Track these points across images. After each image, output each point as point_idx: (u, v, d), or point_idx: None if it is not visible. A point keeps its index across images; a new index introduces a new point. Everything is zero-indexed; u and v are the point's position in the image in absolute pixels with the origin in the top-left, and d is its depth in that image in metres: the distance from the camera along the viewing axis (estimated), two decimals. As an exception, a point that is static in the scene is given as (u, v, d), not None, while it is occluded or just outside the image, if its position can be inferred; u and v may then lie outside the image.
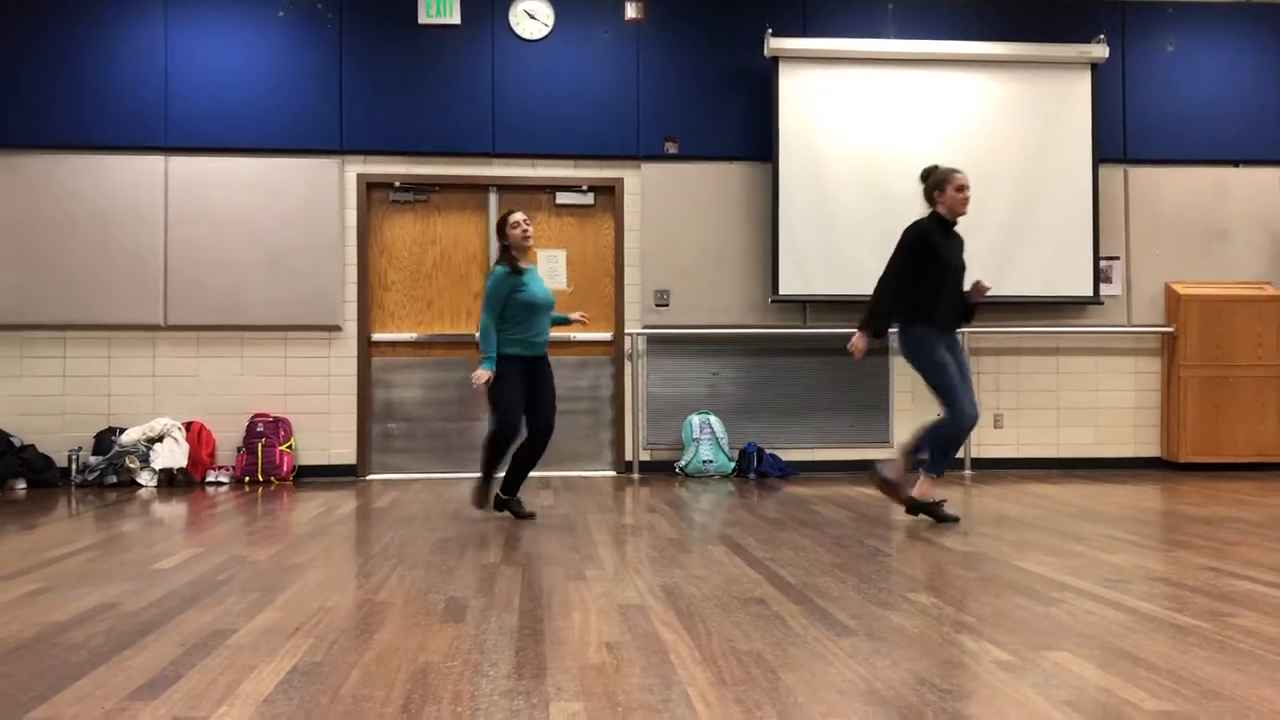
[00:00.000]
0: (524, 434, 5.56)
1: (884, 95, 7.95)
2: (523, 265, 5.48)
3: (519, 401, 5.43)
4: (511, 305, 5.40)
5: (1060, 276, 7.99)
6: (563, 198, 7.96)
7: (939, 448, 5.28)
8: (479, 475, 5.64)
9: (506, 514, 5.72)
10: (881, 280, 5.30)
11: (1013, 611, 3.40)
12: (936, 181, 5.36)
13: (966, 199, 5.31)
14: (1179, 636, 3.07)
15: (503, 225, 5.49)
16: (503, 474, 5.64)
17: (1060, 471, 8.00)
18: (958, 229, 5.45)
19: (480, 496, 5.60)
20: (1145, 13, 8.32)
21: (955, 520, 5.33)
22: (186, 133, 7.63)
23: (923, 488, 5.35)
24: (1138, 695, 2.53)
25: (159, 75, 7.65)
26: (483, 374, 5.31)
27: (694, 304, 7.96)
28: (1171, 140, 8.30)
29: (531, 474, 7.79)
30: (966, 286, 5.41)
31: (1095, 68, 8.06)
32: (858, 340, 5.32)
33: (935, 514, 5.35)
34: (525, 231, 5.46)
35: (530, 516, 5.62)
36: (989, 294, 5.21)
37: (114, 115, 7.60)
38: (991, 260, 7.80)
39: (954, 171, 5.33)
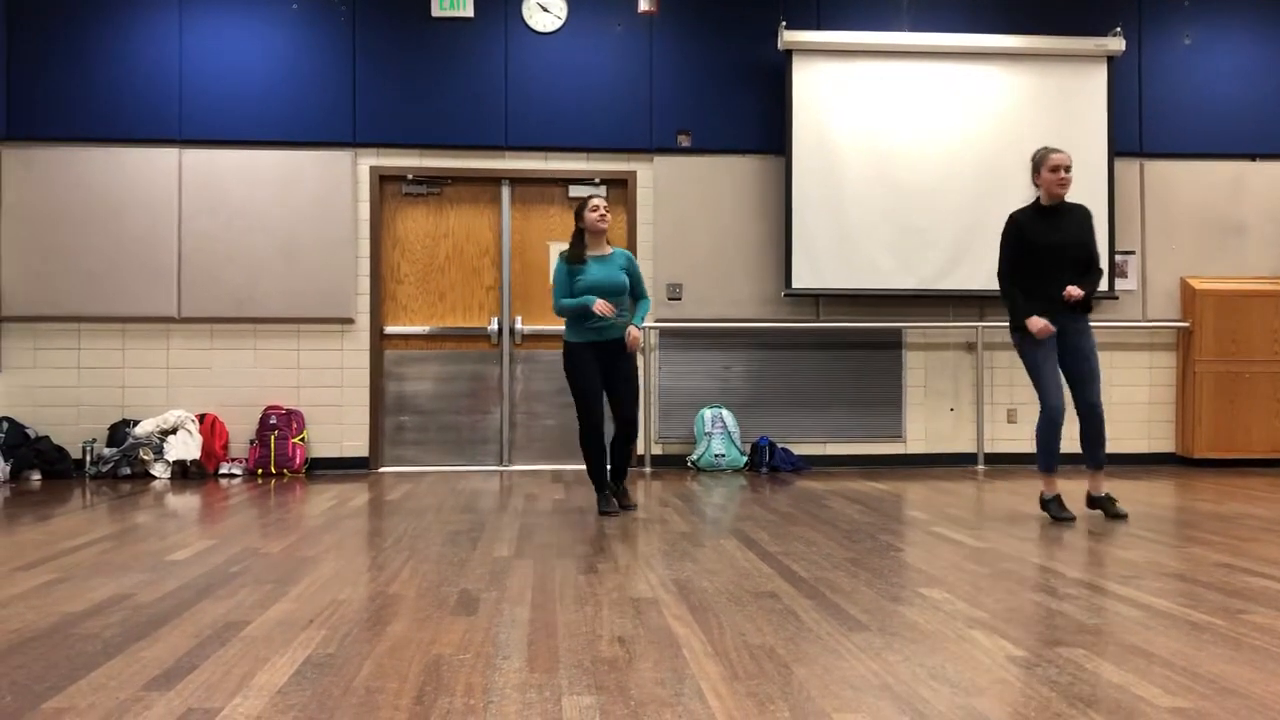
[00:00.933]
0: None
1: (898, 88, 7.91)
2: (590, 253, 5.55)
3: (590, 387, 5.46)
4: (575, 291, 5.50)
5: (1075, 271, 7.95)
6: (575, 191, 7.96)
7: (1037, 443, 5.27)
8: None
9: (516, 512, 5.72)
10: (998, 277, 5.31)
11: (1026, 607, 3.39)
12: (1034, 164, 5.32)
13: (1061, 179, 5.22)
14: (1193, 633, 3.06)
15: (581, 208, 5.59)
16: (607, 472, 5.63)
17: (1074, 466, 7.95)
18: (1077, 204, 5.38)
19: (604, 502, 5.58)
20: (1162, 6, 8.26)
21: (1069, 520, 5.20)
22: (200, 125, 7.65)
23: (1046, 485, 5.33)
24: (1152, 692, 2.52)
25: (173, 68, 7.67)
26: (603, 305, 5.37)
27: (707, 297, 7.95)
28: (1188, 134, 8.24)
29: (541, 466, 7.85)
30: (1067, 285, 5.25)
31: (1111, 61, 8.00)
32: (1034, 327, 5.13)
33: (1050, 511, 5.28)
34: (602, 215, 5.56)
35: (616, 511, 5.58)
36: (1074, 298, 5.17)
37: (128, 108, 7.62)
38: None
39: (1050, 152, 5.26)
